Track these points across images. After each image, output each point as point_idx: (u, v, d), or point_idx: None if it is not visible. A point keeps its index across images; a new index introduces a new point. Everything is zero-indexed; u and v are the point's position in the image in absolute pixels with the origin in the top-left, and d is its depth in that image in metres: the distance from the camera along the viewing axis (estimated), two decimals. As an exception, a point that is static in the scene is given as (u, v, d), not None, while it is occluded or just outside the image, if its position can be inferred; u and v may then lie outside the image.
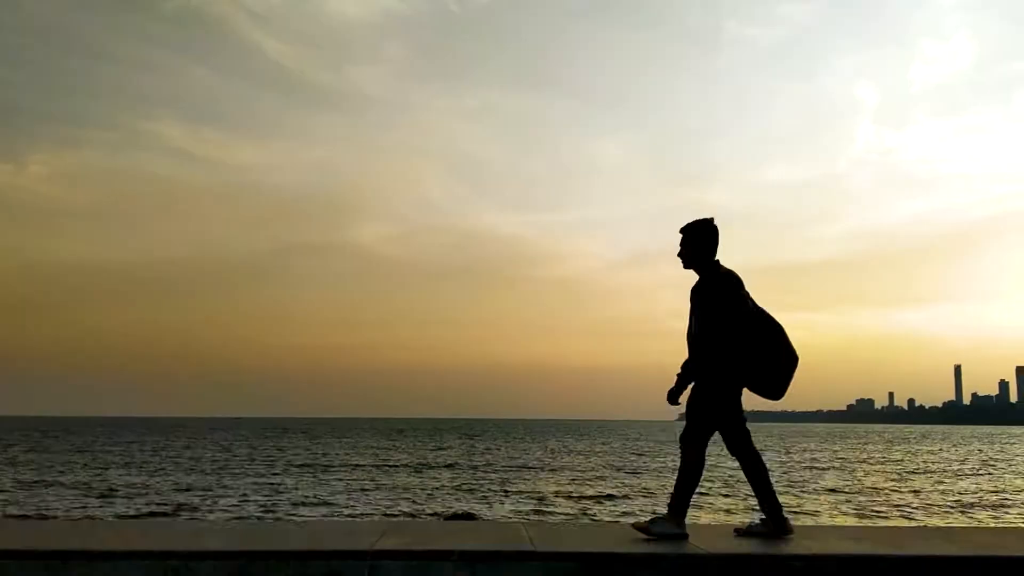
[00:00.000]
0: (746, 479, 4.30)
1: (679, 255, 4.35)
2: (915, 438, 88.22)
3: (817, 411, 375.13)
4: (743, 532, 4.28)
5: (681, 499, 4.17)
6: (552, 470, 29.60)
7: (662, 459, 38.07)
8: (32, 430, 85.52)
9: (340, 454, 39.85)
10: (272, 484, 22.27)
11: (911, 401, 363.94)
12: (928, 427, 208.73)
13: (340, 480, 24.02)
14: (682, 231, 4.32)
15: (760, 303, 4.28)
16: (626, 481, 25.00)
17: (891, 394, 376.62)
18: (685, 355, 4.32)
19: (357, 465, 31.05)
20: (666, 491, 20.10)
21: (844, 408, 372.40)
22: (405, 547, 3.66)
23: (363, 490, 20.94)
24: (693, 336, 4.26)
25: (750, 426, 4.33)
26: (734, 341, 4.13)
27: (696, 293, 4.28)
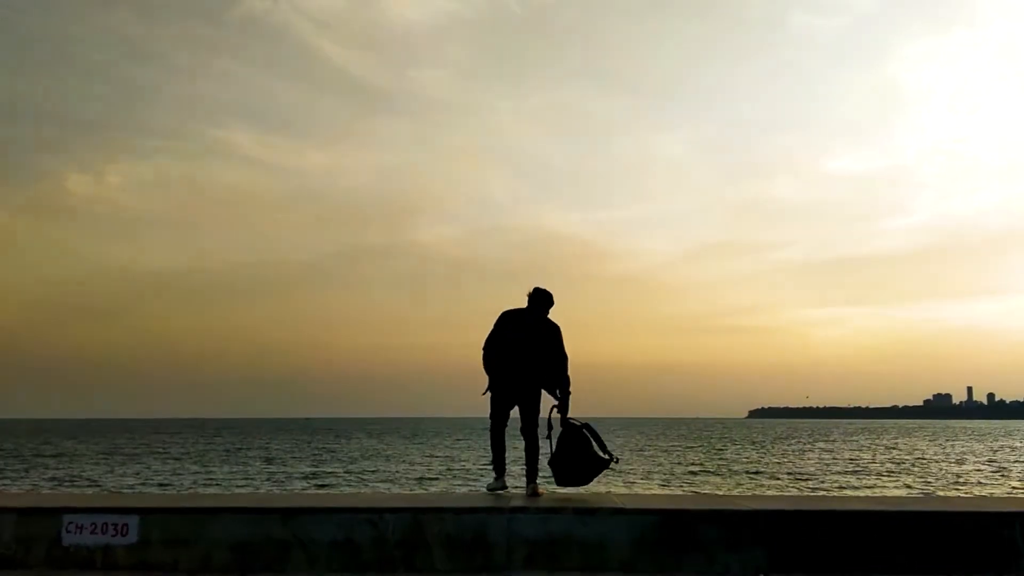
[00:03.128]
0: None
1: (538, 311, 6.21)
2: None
3: (892, 407, 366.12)
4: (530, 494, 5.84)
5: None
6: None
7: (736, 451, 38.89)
8: (138, 432, 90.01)
9: (430, 453, 41.78)
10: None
11: (991, 396, 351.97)
12: (1013, 423, 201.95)
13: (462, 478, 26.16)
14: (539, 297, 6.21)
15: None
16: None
17: (969, 388, 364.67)
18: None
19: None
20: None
21: (920, 403, 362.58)
22: (533, 504, 5.11)
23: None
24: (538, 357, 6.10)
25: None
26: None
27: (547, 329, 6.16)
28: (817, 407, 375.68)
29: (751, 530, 4.88)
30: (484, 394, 6.14)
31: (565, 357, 6.09)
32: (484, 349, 6.14)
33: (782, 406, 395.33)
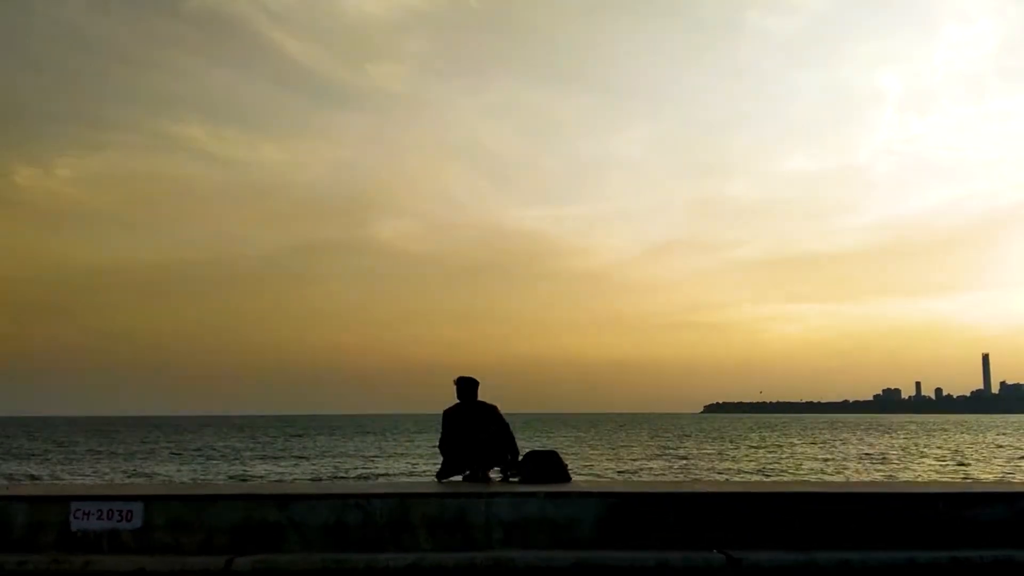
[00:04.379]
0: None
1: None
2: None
3: (843, 402, 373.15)
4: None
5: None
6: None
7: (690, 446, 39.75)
8: (96, 429, 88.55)
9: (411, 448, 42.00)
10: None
11: (939, 390, 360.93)
12: (959, 416, 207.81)
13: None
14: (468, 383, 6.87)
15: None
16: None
17: (918, 384, 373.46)
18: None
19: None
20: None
21: (870, 398, 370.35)
22: (508, 490, 5.61)
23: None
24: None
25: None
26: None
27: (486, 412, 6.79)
28: (770, 402, 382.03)
29: (707, 511, 5.43)
30: (440, 475, 6.75)
31: (507, 425, 6.79)
32: (441, 450, 6.82)
33: (736, 401, 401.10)
